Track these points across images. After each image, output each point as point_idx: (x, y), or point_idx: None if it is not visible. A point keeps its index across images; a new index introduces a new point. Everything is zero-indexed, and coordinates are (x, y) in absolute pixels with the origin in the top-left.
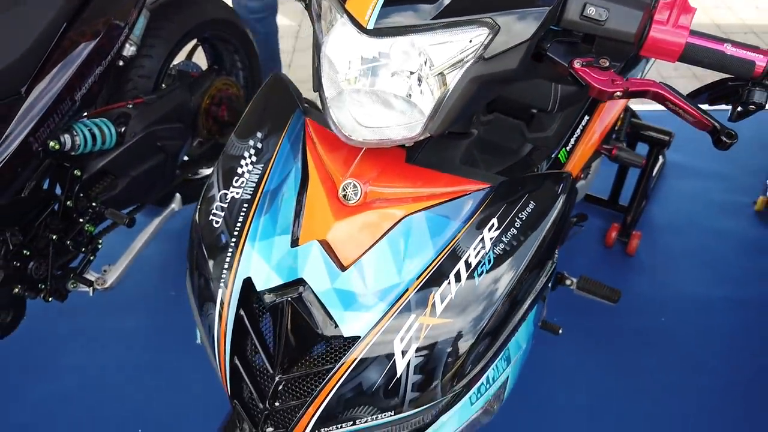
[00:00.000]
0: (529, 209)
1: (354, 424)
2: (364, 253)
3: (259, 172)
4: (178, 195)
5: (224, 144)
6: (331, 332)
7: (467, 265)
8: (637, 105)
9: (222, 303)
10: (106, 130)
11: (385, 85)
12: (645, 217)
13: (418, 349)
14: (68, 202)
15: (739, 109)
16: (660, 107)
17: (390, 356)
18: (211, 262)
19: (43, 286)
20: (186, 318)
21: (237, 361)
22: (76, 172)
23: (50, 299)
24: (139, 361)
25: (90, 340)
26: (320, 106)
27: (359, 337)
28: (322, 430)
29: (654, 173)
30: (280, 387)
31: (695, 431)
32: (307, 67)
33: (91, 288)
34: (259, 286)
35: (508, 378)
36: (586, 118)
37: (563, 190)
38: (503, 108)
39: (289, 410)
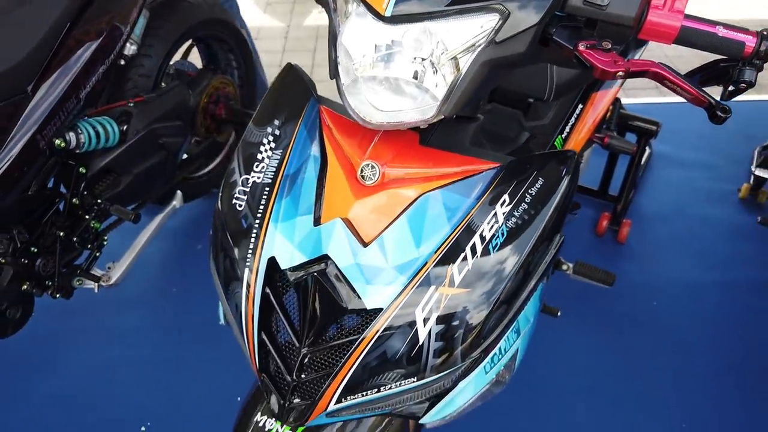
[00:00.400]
0: (538, 185)
1: (378, 391)
2: (384, 230)
3: (279, 157)
4: (179, 192)
5: (221, 142)
6: (354, 305)
7: (482, 238)
8: (626, 99)
9: (248, 282)
10: (109, 128)
11: (398, 71)
12: (634, 206)
13: (438, 318)
14: (74, 200)
15: (731, 88)
16: (647, 100)
17: (412, 325)
18: (236, 244)
19: (50, 283)
20: (188, 314)
21: (264, 337)
22: (81, 169)
23: (57, 296)
24: (142, 357)
25: (93, 337)
26: (328, 97)
27: (382, 309)
28: (348, 398)
29: (642, 163)
30: (306, 360)
31: (687, 409)
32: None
33: (97, 284)
34: (283, 265)
35: (518, 350)
36: (580, 106)
37: (569, 167)
38: (501, 98)
39: (315, 381)
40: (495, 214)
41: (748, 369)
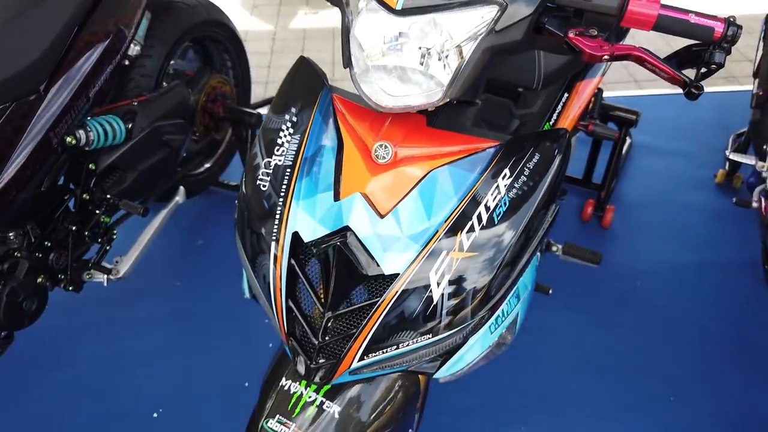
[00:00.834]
0: (535, 159)
1: (397, 348)
2: (398, 203)
3: (297, 141)
4: (181, 188)
5: (218, 141)
6: (373, 271)
7: (486, 208)
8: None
9: (275, 255)
10: (116, 126)
11: (405, 60)
12: (616, 193)
13: (450, 280)
14: (84, 195)
15: (703, 70)
16: (625, 93)
17: (427, 287)
18: (263, 221)
19: (62, 276)
20: (193, 306)
21: (291, 304)
22: (90, 166)
23: (70, 288)
24: (151, 348)
25: (102, 329)
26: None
27: (398, 274)
28: (370, 355)
29: (623, 153)
30: (329, 323)
31: (671, 379)
32: (285, 67)
33: (106, 277)
34: (306, 238)
35: (518, 315)
36: (566, 95)
37: (561, 144)
38: (493, 88)
39: (338, 342)
40: (497, 186)
41: (727, 341)
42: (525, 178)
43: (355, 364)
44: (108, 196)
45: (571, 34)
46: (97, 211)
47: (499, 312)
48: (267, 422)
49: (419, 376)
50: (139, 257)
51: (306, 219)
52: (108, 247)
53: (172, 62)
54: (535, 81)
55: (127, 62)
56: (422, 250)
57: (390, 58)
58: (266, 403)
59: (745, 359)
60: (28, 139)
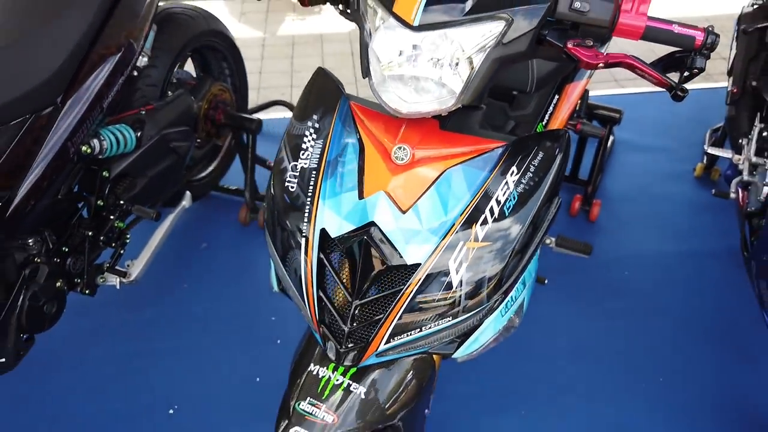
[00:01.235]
0: (539, 158)
1: (420, 330)
2: (417, 199)
3: (321, 146)
4: (188, 193)
5: (220, 146)
6: (397, 262)
7: (497, 202)
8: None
9: (306, 250)
10: (127, 135)
11: (419, 70)
12: (602, 188)
13: (467, 267)
14: (99, 202)
15: (686, 74)
16: (607, 92)
17: (446, 274)
18: (292, 219)
19: (78, 280)
20: (202, 307)
21: (321, 294)
22: (104, 173)
23: (87, 292)
24: (163, 347)
25: (114, 331)
26: (354, 95)
27: (420, 263)
28: (395, 338)
29: (607, 149)
30: (356, 311)
31: (660, 361)
32: (275, 72)
33: (119, 280)
34: (333, 234)
35: (524, 299)
36: (556, 97)
37: (561, 143)
38: (490, 92)
39: (365, 327)
40: (506, 182)
41: (710, 324)
42: (531, 174)
43: (382, 347)
44: (121, 201)
45: (569, 45)
46: (111, 217)
47: (509, 297)
48: (299, 404)
49: (433, 357)
50: (150, 260)
51: (332, 216)
52: (122, 251)
53: (175, 72)
54: (528, 84)
55: (136, 73)
56: (441, 241)
57: (405, 68)
58: (297, 386)
59: (727, 341)
60: (47, 149)
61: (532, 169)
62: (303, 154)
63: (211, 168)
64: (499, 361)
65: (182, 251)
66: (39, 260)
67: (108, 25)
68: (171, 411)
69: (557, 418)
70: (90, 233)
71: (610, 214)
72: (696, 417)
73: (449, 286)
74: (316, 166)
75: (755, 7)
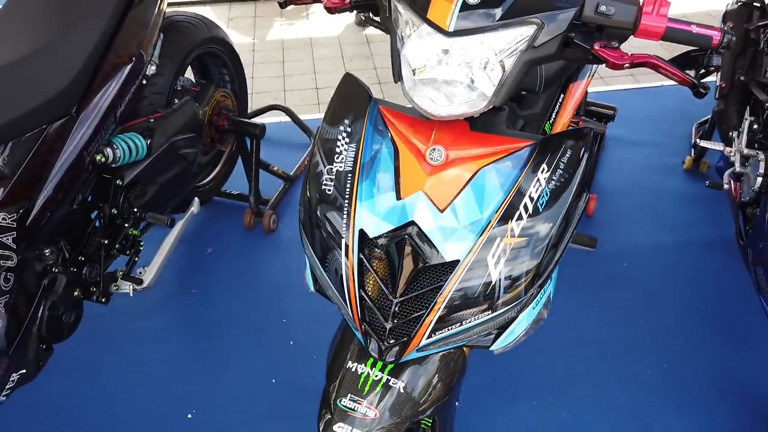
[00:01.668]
0: (567, 155)
1: (461, 324)
2: (454, 199)
3: (354, 149)
4: (196, 199)
5: (223, 151)
6: (436, 259)
7: (531, 199)
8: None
9: (346, 250)
10: (138, 143)
11: (451, 74)
12: (595, 183)
13: (505, 262)
14: (113, 210)
15: (702, 71)
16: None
17: (485, 269)
18: (331, 221)
19: (94, 289)
20: (212, 311)
21: (363, 293)
22: (117, 182)
23: (103, 300)
24: (177, 353)
25: (128, 338)
26: (383, 99)
27: (459, 260)
28: (437, 333)
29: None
30: (397, 308)
31: (663, 349)
32: (267, 77)
33: (132, 287)
34: (372, 234)
35: (551, 293)
36: (562, 96)
37: (587, 140)
38: None
39: (406, 324)
40: (538, 179)
41: (709, 311)
42: (561, 171)
43: (424, 342)
44: (135, 209)
45: (596, 47)
46: (126, 225)
47: (541, 290)
48: (340, 401)
49: (464, 350)
50: (162, 267)
51: (369, 217)
52: (137, 258)
53: (179, 79)
54: (537, 84)
55: (145, 81)
56: (478, 238)
57: (437, 72)
58: (336, 384)
59: (726, 327)
60: (63, 159)
61: (561, 166)
62: (338, 158)
63: (214, 173)
64: (507, 353)
65: (188, 257)
66: (56, 270)
67: (119, 34)
68: (189, 416)
69: (568, 407)
70: (105, 241)
71: (605, 208)
72: (703, 401)
73: (488, 281)
74: (351, 168)
75: (739, 4)
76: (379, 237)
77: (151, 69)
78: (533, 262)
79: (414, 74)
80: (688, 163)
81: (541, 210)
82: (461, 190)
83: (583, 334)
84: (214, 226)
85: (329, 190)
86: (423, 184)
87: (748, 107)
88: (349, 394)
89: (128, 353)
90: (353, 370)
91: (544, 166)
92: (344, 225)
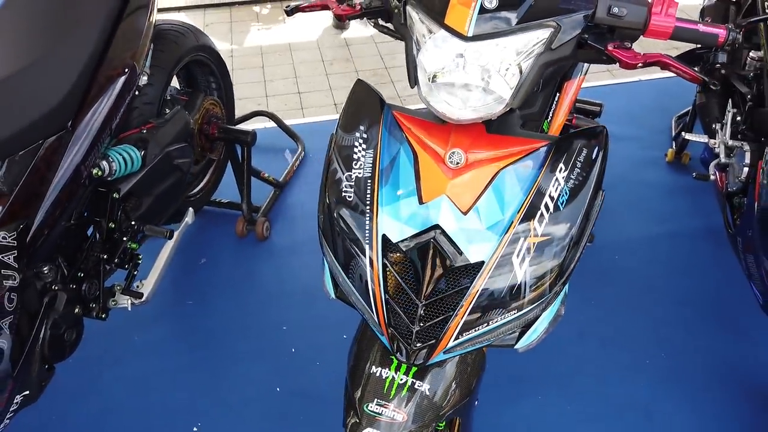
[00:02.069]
0: (584, 153)
1: (488, 324)
2: (476, 201)
3: (372, 155)
4: (190, 209)
5: (213, 159)
6: (461, 261)
7: (551, 198)
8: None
9: (371, 256)
10: (133, 155)
11: (467, 77)
12: None
13: (530, 261)
14: (110, 224)
15: (707, 67)
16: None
17: (511, 269)
18: (353, 227)
19: (94, 305)
20: (209, 322)
21: (388, 297)
22: (114, 195)
23: (102, 316)
24: (177, 365)
25: (127, 352)
26: (396, 104)
27: (483, 261)
28: (464, 334)
29: None
30: (422, 312)
31: (660, 339)
32: (248, 83)
33: (130, 302)
34: (394, 239)
35: (566, 291)
36: (558, 95)
37: (600, 139)
38: None
39: (433, 326)
40: (557, 179)
41: (701, 300)
42: (578, 170)
43: (452, 343)
44: (132, 222)
45: (610, 47)
46: (124, 238)
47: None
48: (367, 406)
49: (483, 349)
50: (159, 279)
51: (391, 222)
52: (135, 272)
53: (169, 89)
54: (537, 84)
55: (137, 92)
56: (501, 239)
57: (454, 76)
58: (361, 389)
59: (720, 314)
60: (60, 174)
61: (578, 165)
62: (356, 164)
63: (203, 182)
64: (508, 350)
65: (182, 268)
66: (56, 288)
67: (112, 45)
68: (195, 429)
69: (572, 400)
70: (104, 256)
71: None
72: (702, 388)
73: (513, 281)
74: (370, 174)
75: (715, 0)
76: (402, 241)
77: (143, 79)
78: (557, 261)
79: (430, 79)
80: (671, 156)
81: (561, 208)
82: (483, 191)
83: (582, 328)
84: (206, 235)
85: (349, 196)
86: (445, 188)
87: (730, 100)
88: (376, 399)
89: (127, 367)
90: (377, 374)
91: (561, 165)
92: (367, 231)
